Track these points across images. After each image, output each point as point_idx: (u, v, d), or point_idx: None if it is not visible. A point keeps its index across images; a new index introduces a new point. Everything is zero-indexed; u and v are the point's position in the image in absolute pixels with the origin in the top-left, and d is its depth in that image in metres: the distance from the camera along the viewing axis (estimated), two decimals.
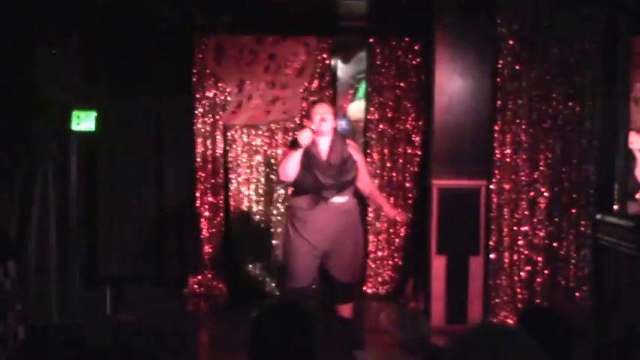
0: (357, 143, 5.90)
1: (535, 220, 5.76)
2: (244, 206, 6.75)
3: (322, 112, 4.85)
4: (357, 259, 5.10)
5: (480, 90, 5.74)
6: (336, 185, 4.85)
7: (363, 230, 5.61)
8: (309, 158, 4.83)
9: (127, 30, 6.22)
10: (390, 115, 6.67)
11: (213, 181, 6.75)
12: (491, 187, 5.77)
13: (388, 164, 6.68)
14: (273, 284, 6.68)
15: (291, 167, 4.81)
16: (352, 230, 4.99)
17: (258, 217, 6.75)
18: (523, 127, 5.74)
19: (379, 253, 6.73)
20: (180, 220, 6.72)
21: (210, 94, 6.70)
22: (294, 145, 4.84)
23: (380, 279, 6.75)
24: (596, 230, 5.58)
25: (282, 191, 6.67)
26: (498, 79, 5.74)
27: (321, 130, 4.84)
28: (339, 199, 4.88)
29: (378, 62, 6.68)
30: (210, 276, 6.74)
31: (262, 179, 6.75)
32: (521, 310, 5.52)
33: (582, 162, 5.71)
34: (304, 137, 4.72)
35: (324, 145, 4.91)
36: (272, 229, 6.70)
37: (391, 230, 6.72)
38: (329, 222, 4.86)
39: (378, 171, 6.65)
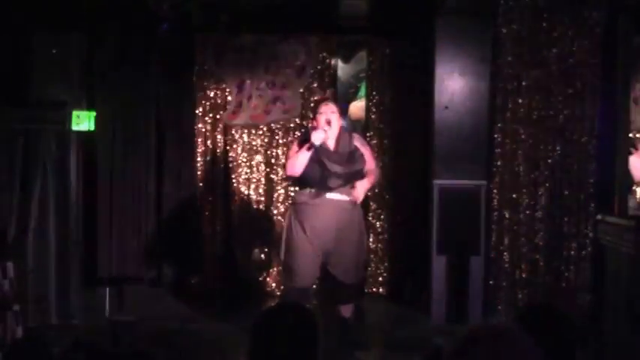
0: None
1: (535, 219, 5.76)
2: (244, 206, 6.74)
3: (327, 112, 4.86)
4: (360, 259, 5.08)
5: (479, 90, 5.74)
6: (345, 175, 4.84)
7: (366, 231, 5.60)
8: (318, 150, 4.83)
9: (127, 30, 6.22)
10: (390, 114, 6.66)
11: (213, 180, 6.75)
12: (492, 186, 5.77)
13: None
14: (274, 284, 6.68)
15: (300, 164, 4.82)
16: (355, 230, 4.97)
17: (258, 217, 6.74)
18: (523, 126, 5.73)
19: (379, 253, 6.73)
20: (180, 219, 6.71)
21: (210, 94, 6.70)
22: (303, 141, 4.85)
23: (380, 279, 6.75)
24: (596, 230, 5.57)
25: (282, 191, 6.67)
26: (498, 79, 5.73)
27: (327, 136, 4.86)
28: (341, 197, 4.86)
29: (378, 62, 6.68)
30: (210, 276, 6.74)
31: (262, 179, 6.74)
32: (521, 310, 5.50)
33: (582, 162, 5.70)
34: (318, 137, 4.75)
35: (330, 140, 4.92)
36: (272, 229, 6.69)
37: (391, 230, 6.71)
38: (331, 220, 4.85)
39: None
